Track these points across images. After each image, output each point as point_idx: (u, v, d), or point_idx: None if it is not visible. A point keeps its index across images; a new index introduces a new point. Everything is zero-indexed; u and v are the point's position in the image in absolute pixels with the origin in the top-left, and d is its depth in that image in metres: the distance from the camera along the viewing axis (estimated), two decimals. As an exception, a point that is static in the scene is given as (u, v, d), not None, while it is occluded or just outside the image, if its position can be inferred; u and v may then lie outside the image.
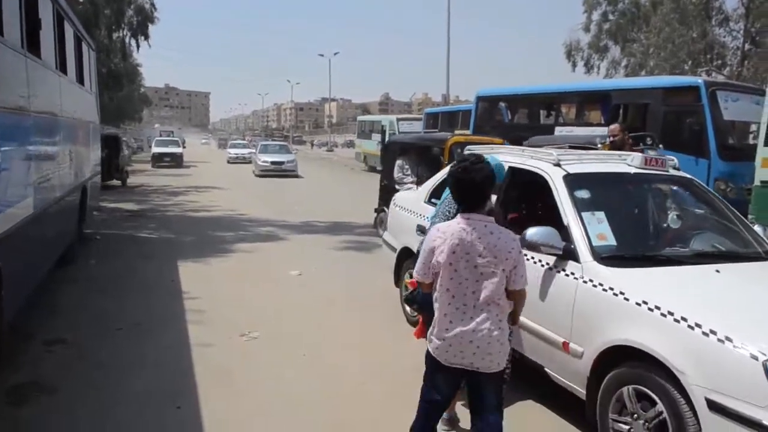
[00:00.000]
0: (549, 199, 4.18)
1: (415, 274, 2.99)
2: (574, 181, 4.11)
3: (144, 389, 4.22)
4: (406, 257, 5.71)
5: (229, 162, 35.47)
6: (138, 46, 29.30)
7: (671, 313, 3.05)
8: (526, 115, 17.30)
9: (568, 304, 3.62)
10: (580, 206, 3.94)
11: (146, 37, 28.59)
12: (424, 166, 9.37)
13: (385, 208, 10.47)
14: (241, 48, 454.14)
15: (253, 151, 31.25)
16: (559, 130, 15.40)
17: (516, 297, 2.87)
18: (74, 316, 5.83)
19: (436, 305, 2.88)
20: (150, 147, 35.06)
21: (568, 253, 3.72)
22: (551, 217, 4.10)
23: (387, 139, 26.53)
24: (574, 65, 33.20)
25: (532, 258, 3.93)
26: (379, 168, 29.43)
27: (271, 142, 35.34)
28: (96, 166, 10.34)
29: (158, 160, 30.65)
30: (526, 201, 5.05)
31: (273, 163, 26.58)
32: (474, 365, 2.80)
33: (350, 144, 65.93)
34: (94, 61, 10.31)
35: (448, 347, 2.80)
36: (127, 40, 28.72)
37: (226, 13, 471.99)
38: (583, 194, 4.11)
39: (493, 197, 3.58)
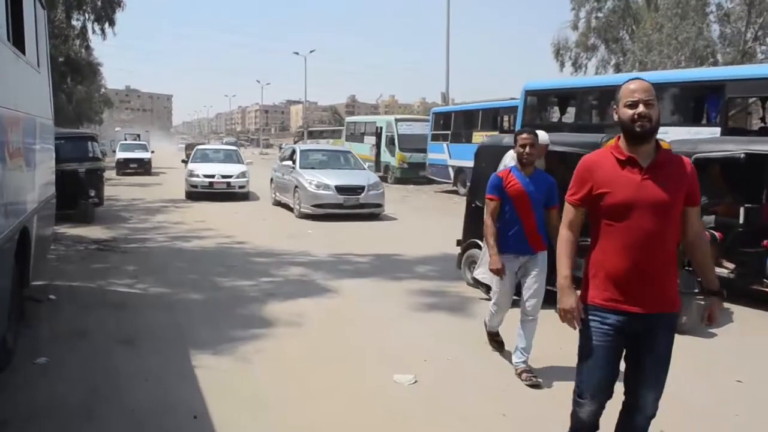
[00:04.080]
0: None
1: None
2: None
3: None
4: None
5: (189, 196, 17.32)
6: (103, 34, 25.34)
7: None
8: (595, 112, 14.22)
9: None
10: None
11: (111, 24, 24.69)
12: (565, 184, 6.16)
13: (479, 242, 7.23)
14: (204, 47, 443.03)
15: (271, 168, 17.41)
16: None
17: None
18: None
19: None
20: (114, 152, 31.14)
21: None
22: None
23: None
24: (562, 65, 32.22)
25: None
26: (381, 174, 26.05)
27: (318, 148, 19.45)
28: (48, 186, 6.78)
29: (124, 166, 27.23)
30: None
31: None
32: None
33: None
34: (45, 24, 6.77)
35: None
36: (89, 25, 24.80)
37: (189, 11, 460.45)
38: None
39: None
